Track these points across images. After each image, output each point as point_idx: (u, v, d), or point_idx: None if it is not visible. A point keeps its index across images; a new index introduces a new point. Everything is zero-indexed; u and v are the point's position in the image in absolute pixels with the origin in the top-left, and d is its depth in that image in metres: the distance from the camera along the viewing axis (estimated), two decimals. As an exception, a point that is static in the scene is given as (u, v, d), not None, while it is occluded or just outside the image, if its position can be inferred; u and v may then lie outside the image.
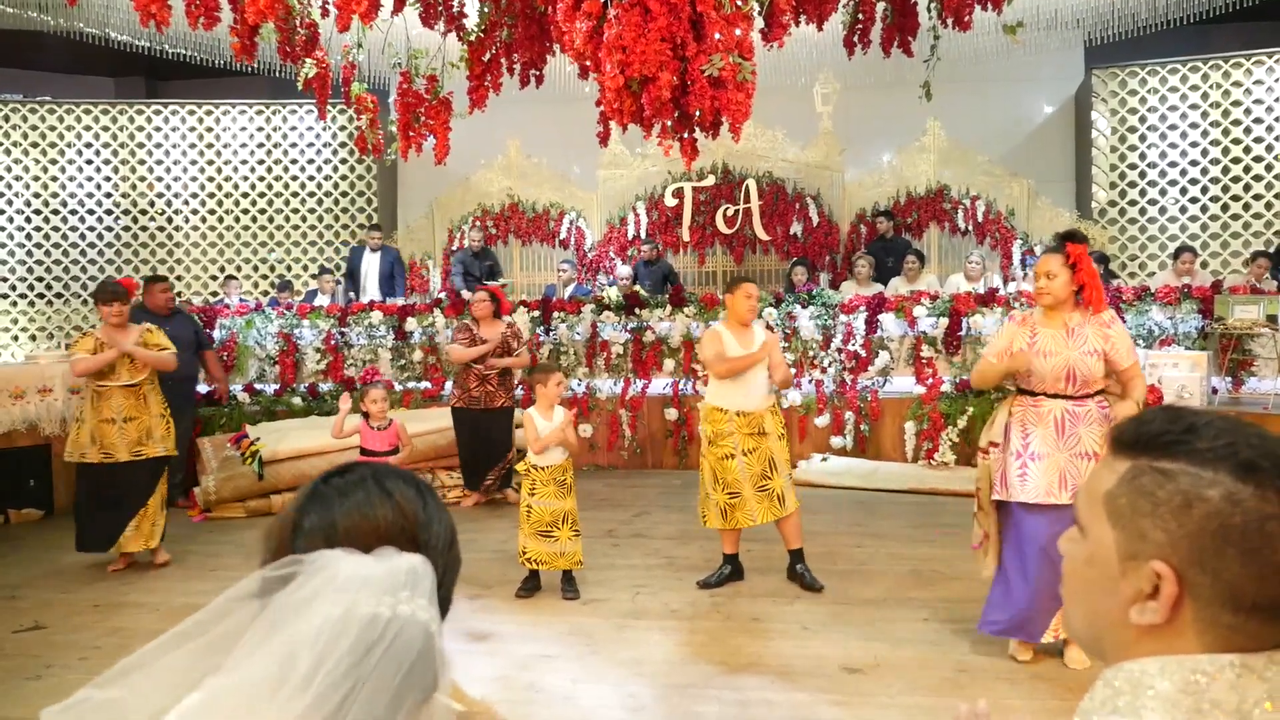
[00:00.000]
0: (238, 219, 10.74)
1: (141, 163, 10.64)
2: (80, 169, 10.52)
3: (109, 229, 10.56)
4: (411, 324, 7.96)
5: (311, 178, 10.79)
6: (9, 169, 10.34)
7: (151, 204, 10.66)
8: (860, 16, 4.83)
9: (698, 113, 3.73)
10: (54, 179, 10.44)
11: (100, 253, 10.54)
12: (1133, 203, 9.70)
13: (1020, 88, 10.45)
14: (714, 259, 9.89)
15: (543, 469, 4.37)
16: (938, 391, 7.20)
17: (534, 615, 4.21)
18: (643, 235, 9.67)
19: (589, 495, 6.31)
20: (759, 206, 9.65)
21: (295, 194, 10.78)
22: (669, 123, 3.84)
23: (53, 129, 10.46)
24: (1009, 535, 3.52)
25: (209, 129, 10.73)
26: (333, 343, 8.03)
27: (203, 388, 7.34)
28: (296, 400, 7.71)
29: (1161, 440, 0.77)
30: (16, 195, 10.36)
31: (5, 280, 10.34)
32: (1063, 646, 3.53)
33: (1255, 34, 9.41)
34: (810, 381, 7.42)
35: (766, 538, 4.88)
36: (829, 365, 7.45)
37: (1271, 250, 8.31)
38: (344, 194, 10.80)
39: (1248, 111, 9.33)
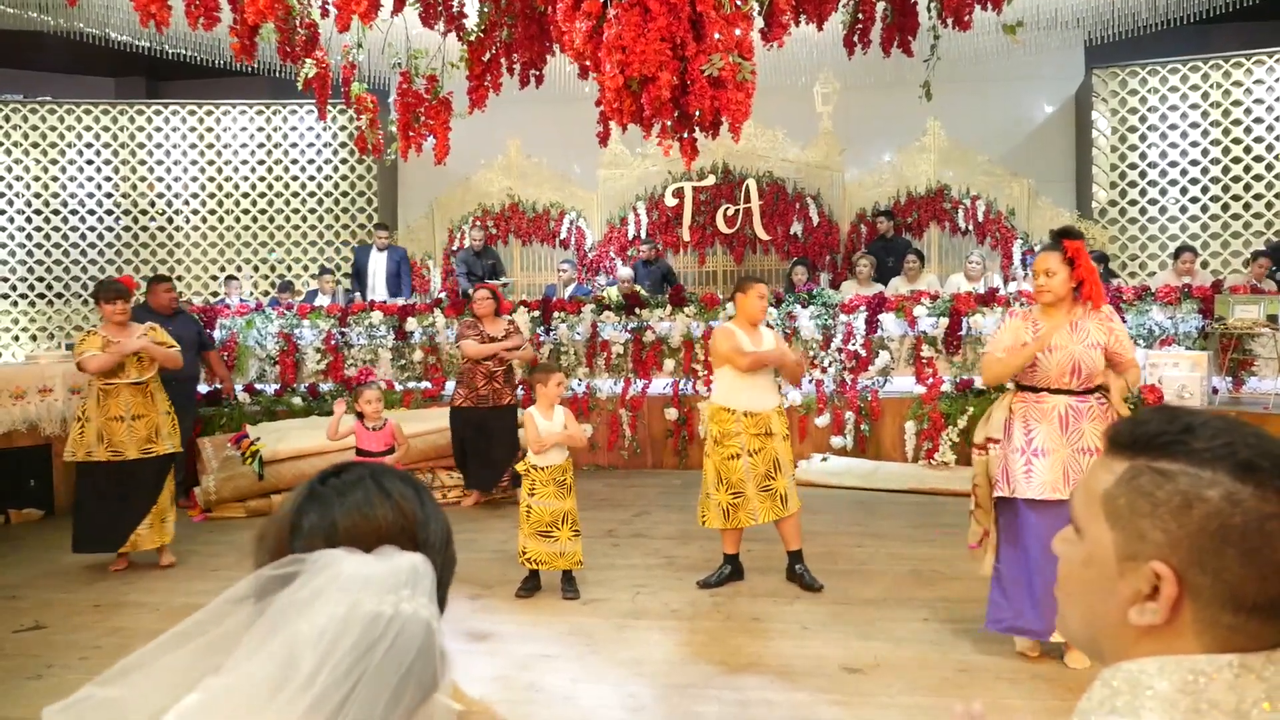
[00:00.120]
0: (238, 219, 10.74)
1: (142, 163, 10.64)
2: (80, 169, 10.53)
3: (109, 229, 10.57)
4: (412, 324, 7.96)
5: (312, 178, 10.79)
6: (9, 169, 10.35)
7: (152, 204, 10.66)
8: (860, 16, 4.83)
9: (697, 113, 3.73)
10: (54, 179, 10.45)
11: (100, 253, 10.54)
12: (1133, 202, 9.71)
13: (1020, 87, 10.46)
14: (714, 259, 9.89)
15: (542, 469, 4.37)
16: (938, 391, 7.20)
17: (534, 615, 4.21)
18: (643, 235, 9.67)
19: (589, 495, 6.31)
20: (759, 206, 9.65)
21: (295, 194, 10.78)
22: (669, 123, 3.84)
23: (53, 129, 10.46)
24: (1009, 532, 3.50)
25: (209, 129, 10.74)
26: (333, 343, 8.03)
27: (203, 387, 7.35)
28: (297, 400, 7.71)
29: (1159, 440, 0.77)
30: (17, 195, 10.37)
31: (5, 280, 10.35)
32: (1064, 646, 3.52)
33: (1255, 34, 9.41)
34: (810, 381, 7.42)
35: (766, 538, 4.88)
36: (829, 365, 7.45)
37: (1265, 246, 8.30)
38: (344, 194, 10.80)
39: (1248, 111, 9.33)
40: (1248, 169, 9.35)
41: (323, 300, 8.99)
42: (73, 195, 10.49)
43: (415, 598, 0.84)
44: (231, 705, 0.79)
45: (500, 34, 4.72)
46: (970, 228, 9.55)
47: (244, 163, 10.75)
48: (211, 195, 10.72)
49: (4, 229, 10.34)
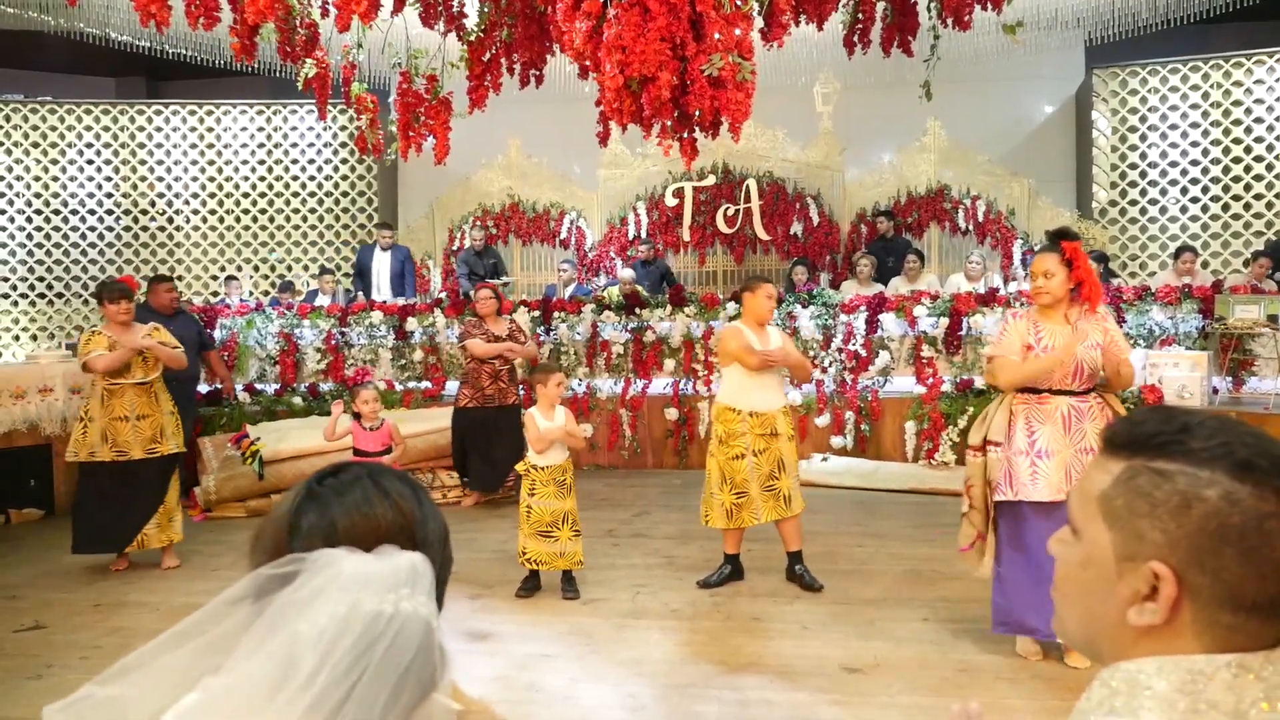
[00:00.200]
0: (238, 219, 10.74)
1: (142, 163, 10.64)
2: (81, 169, 10.53)
3: (109, 229, 10.57)
4: (412, 324, 7.96)
5: (312, 178, 10.79)
6: (10, 169, 10.35)
7: (152, 204, 10.66)
8: (860, 16, 4.83)
9: (697, 113, 3.73)
10: (55, 179, 10.45)
11: (101, 253, 10.54)
12: (1133, 202, 9.71)
13: (1021, 87, 10.46)
14: (714, 259, 9.89)
15: (543, 469, 4.37)
16: (938, 391, 7.20)
17: (534, 615, 4.21)
18: (643, 235, 9.67)
19: (589, 495, 6.31)
20: (759, 206, 9.65)
21: (295, 194, 10.78)
22: (669, 122, 3.84)
23: (53, 129, 10.46)
24: (1012, 535, 3.49)
25: (209, 129, 10.74)
26: (333, 343, 8.03)
27: (203, 387, 7.35)
28: (297, 400, 7.71)
29: (1156, 441, 0.77)
30: (17, 195, 10.37)
31: (6, 280, 10.35)
32: (1064, 646, 3.52)
33: (1255, 34, 9.41)
34: (811, 381, 7.43)
35: (767, 538, 4.88)
36: (829, 365, 7.45)
37: (1265, 246, 8.30)
38: (344, 194, 10.81)
39: (1248, 111, 9.33)
40: (1248, 169, 9.35)
41: (323, 300, 8.99)
42: (73, 195, 10.50)
43: (415, 596, 0.84)
44: (231, 705, 0.80)
45: (500, 34, 4.72)
46: (970, 228, 9.55)
47: (244, 163, 10.76)
48: (212, 195, 10.72)
49: (4, 229, 10.34)
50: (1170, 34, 8.21)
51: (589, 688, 3.41)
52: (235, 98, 10.74)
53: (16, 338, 10.36)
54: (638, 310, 7.76)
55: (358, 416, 4.89)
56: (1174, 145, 9.58)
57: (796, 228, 9.66)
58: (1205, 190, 9.50)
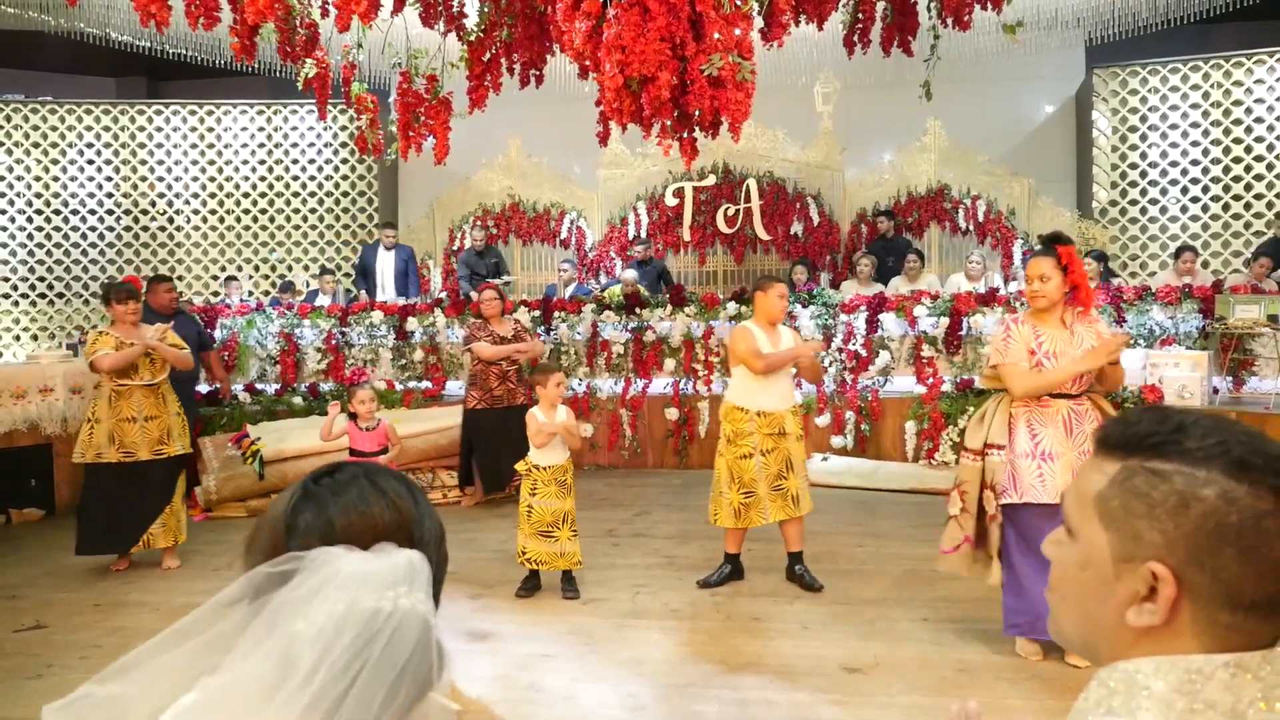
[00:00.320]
0: (238, 219, 10.75)
1: (143, 163, 10.65)
2: (81, 169, 10.53)
3: (110, 229, 10.57)
4: (412, 324, 7.96)
5: (312, 178, 10.80)
6: (10, 169, 10.35)
7: (153, 204, 10.67)
8: (860, 16, 4.83)
9: (697, 112, 3.73)
10: (55, 179, 10.45)
11: (101, 253, 10.54)
12: (1134, 202, 9.70)
13: (1021, 87, 10.45)
14: (714, 259, 9.89)
15: (544, 469, 4.37)
16: (938, 391, 7.20)
17: (534, 615, 4.21)
18: (643, 235, 9.67)
19: (589, 495, 6.31)
20: (759, 206, 9.65)
21: (295, 194, 10.78)
22: (668, 122, 3.84)
23: (54, 129, 10.47)
24: (1022, 538, 3.48)
25: (210, 129, 10.74)
26: (334, 342, 8.03)
27: (203, 387, 7.35)
28: (297, 400, 7.71)
29: (1151, 441, 0.77)
30: (18, 195, 10.37)
31: (6, 280, 10.35)
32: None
33: (1255, 33, 9.41)
34: (806, 381, 7.42)
35: (767, 538, 4.88)
36: (829, 365, 7.45)
37: (1266, 246, 8.28)
38: (344, 194, 10.81)
39: (1248, 111, 9.33)
40: (1248, 169, 9.35)
41: (323, 300, 8.99)
42: (73, 195, 10.50)
43: (413, 593, 0.84)
44: (230, 704, 0.80)
45: (500, 34, 4.72)
46: (970, 227, 9.55)
47: (244, 163, 10.76)
48: (212, 195, 10.72)
49: (4, 229, 10.34)
50: (1170, 34, 8.21)
51: (589, 688, 3.42)
52: (235, 98, 10.74)
53: (17, 338, 10.36)
54: (638, 310, 7.76)
55: (354, 417, 4.89)
56: (1174, 145, 9.58)
57: (797, 228, 9.66)
58: (1205, 190, 9.49)
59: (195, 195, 10.71)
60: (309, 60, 4.75)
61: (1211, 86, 9.45)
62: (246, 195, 10.76)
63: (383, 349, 8.04)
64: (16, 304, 10.38)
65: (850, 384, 7.41)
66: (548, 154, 10.29)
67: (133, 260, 10.58)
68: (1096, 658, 0.81)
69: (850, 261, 9.08)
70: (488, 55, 4.78)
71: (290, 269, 10.70)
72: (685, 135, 4.04)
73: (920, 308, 7.34)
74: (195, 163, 10.72)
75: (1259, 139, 9.30)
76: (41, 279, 10.42)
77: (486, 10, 4.69)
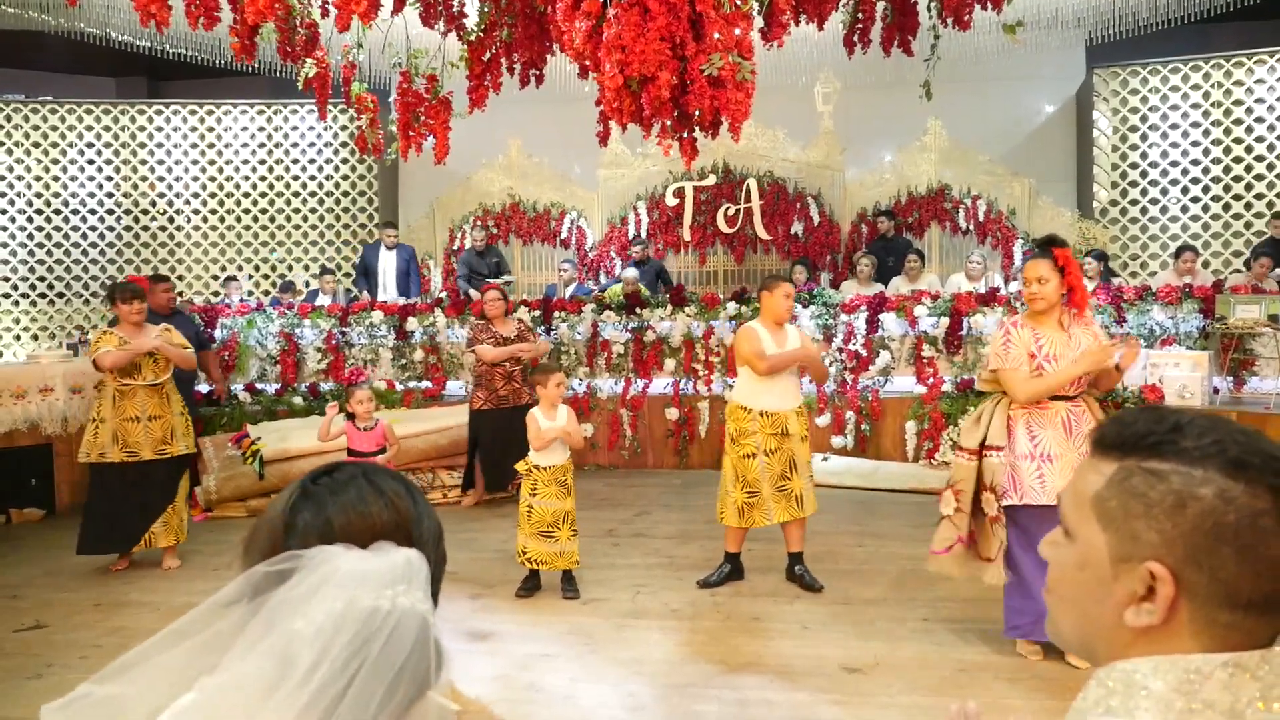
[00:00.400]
0: (238, 219, 10.75)
1: (143, 162, 10.65)
2: (81, 169, 10.53)
3: (110, 229, 10.58)
4: (412, 324, 7.96)
5: (313, 177, 10.80)
6: (10, 169, 10.35)
7: (153, 204, 10.67)
8: (860, 16, 4.82)
9: (697, 112, 3.73)
10: (55, 179, 10.45)
11: (101, 252, 10.55)
12: (1134, 202, 9.70)
13: (1021, 87, 10.45)
14: (715, 258, 9.89)
15: (545, 469, 4.38)
16: (939, 391, 7.20)
17: (534, 615, 4.21)
18: (643, 235, 9.67)
19: (589, 495, 6.31)
20: (760, 206, 9.65)
21: (296, 194, 10.79)
22: (668, 122, 3.84)
23: (54, 129, 10.47)
24: (1024, 538, 3.48)
25: (210, 129, 10.74)
26: (334, 342, 8.04)
27: (203, 387, 7.35)
28: (297, 400, 7.71)
29: (1148, 441, 0.77)
30: (18, 195, 10.37)
31: (6, 280, 10.35)
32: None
33: (1256, 33, 9.41)
34: (811, 380, 7.42)
35: (767, 537, 4.88)
36: (830, 365, 7.45)
37: (1266, 245, 8.27)
38: (344, 194, 10.81)
39: (1249, 111, 9.33)
40: (1248, 168, 9.35)
41: (324, 300, 8.99)
42: (74, 195, 10.50)
43: (411, 592, 0.84)
44: (228, 703, 0.79)
45: (500, 34, 4.72)
46: (971, 227, 9.55)
47: (244, 163, 10.76)
48: (212, 195, 10.72)
49: (5, 229, 10.34)
50: (1171, 34, 8.21)
51: (589, 688, 3.42)
52: (235, 98, 10.74)
53: (17, 337, 10.37)
54: (638, 310, 7.76)
55: (352, 417, 4.89)
56: (1174, 145, 9.58)
57: (797, 227, 9.65)
58: (1206, 190, 9.49)
59: (195, 195, 10.71)
60: (309, 60, 4.75)
61: (1212, 86, 9.45)
62: (246, 195, 10.76)
63: (383, 349, 8.04)
64: (16, 304, 10.38)
65: (850, 384, 7.40)
66: (548, 154, 10.29)
67: (133, 260, 10.58)
68: (1094, 658, 0.81)
69: (850, 261, 9.08)
70: (488, 55, 4.78)
71: (290, 269, 10.70)
72: (685, 135, 4.04)
73: (920, 308, 7.34)
74: (195, 163, 10.72)
75: (1259, 139, 9.30)
76: (41, 279, 10.42)
77: (486, 10, 4.69)
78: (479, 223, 10.01)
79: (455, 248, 10.15)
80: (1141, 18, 8.01)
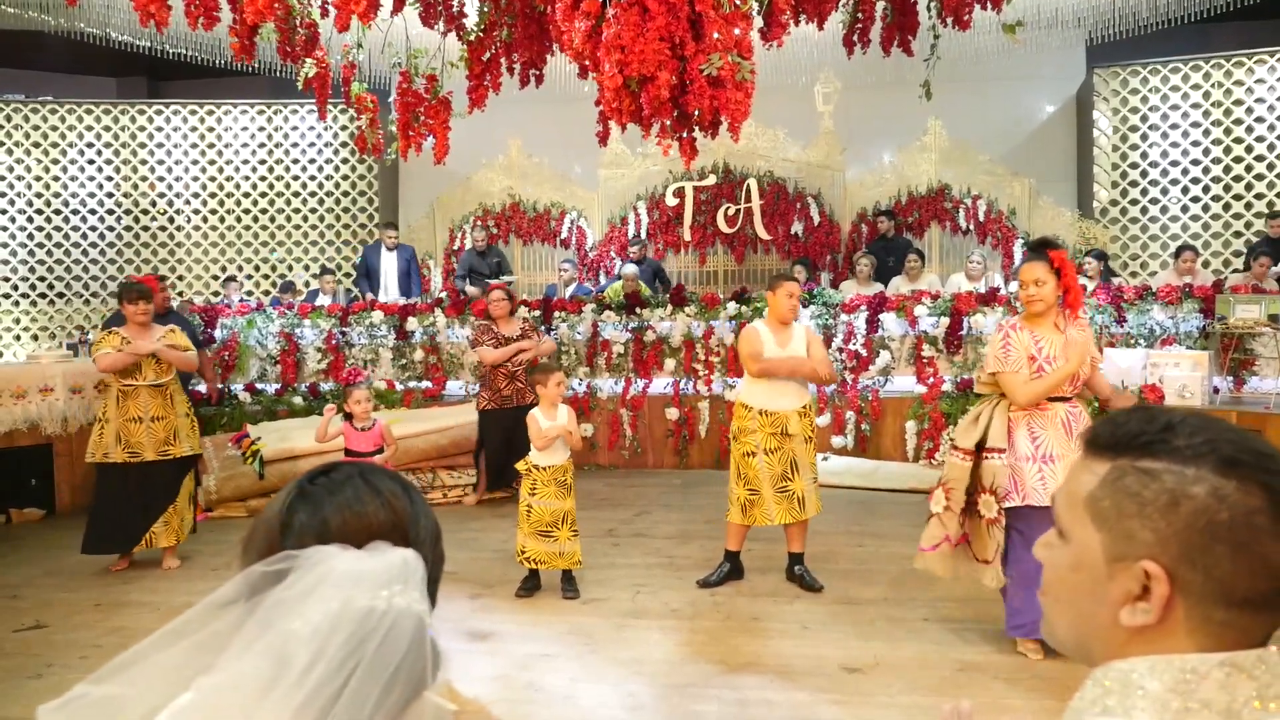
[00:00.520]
0: (239, 219, 10.75)
1: (143, 162, 10.65)
2: (82, 169, 10.54)
3: (110, 229, 10.58)
4: (413, 323, 7.96)
5: (313, 177, 10.80)
6: (10, 169, 10.35)
7: (153, 204, 10.67)
8: (860, 16, 4.83)
9: (696, 112, 3.73)
10: (55, 179, 10.45)
11: (102, 252, 10.55)
12: (1134, 202, 9.70)
13: (1021, 87, 10.45)
14: (715, 258, 9.89)
15: (544, 469, 4.38)
16: (939, 391, 7.19)
17: (534, 615, 4.21)
18: (643, 235, 9.67)
19: (589, 495, 6.31)
20: (760, 206, 9.65)
21: (296, 194, 10.79)
22: (668, 122, 3.84)
23: (54, 129, 10.47)
24: (1026, 538, 3.49)
25: (210, 129, 10.75)
26: (334, 342, 8.04)
27: (203, 387, 7.35)
28: (297, 400, 7.72)
29: (1140, 440, 0.78)
30: (18, 195, 10.38)
31: (6, 280, 10.36)
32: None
33: (1256, 33, 9.40)
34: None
35: (767, 537, 4.88)
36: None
37: (1265, 245, 8.27)
38: (345, 194, 10.81)
39: (1249, 110, 9.32)
40: (1249, 168, 9.34)
41: (324, 300, 8.99)
42: (74, 195, 10.50)
43: (407, 592, 0.84)
44: (225, 703, 0.79)
45: (500, 33, 4.72)
46: (971, 227, 9.55)
47: (244, 163, 10.76)
48: (212, 195, 10.72)
49: (5, 229, 10.35)
50: (1171, 34, 8.21)
51: (589, 687, 3.42)
52: (235, 98, 10.75)
53: (17, 337, 10.37)
54: (638, 310, 7.76)
55: (350, 417, 4.89)
56: (1175, 145, 9.57)
57: (797, 227, 9.65)
58: (1206, 190, 9.49)
59: (195, 195, 10.71)
60: (309, 60, 4.75)
61: (1212, 86, 9.45)
62: (246, 195, 10.76)
63: (383, 349, 8.04)
64: (17, 304, 10.38)
65: (850, 384, 7.40)
66: (548, 154, 10.29)
67: (133, 260, 10.59)
68: (1090, 659, 0.81)
69: (850, 261, 9.08)
70: (487, 55, 4.79)
71: (290, 269, 10.70)
72: (685, 135, 4.04)
73: (921, 307, 7.34)
74: (195, 163, 10.72)
75: (1259, 139, 9.30)
76: (42, 279, 10.43)
77: (486, 10, 4.69)
78: (479, 223, 10.01)
79: (455, 248, 10.15)
80: (1141, 18, 8.01)
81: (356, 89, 5.04)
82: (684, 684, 3.41)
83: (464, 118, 4.93)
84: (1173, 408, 0.80)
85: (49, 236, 10.44)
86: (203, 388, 7.33)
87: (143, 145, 10.64)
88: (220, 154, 10.74)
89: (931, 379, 7.26)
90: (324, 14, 4.66)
